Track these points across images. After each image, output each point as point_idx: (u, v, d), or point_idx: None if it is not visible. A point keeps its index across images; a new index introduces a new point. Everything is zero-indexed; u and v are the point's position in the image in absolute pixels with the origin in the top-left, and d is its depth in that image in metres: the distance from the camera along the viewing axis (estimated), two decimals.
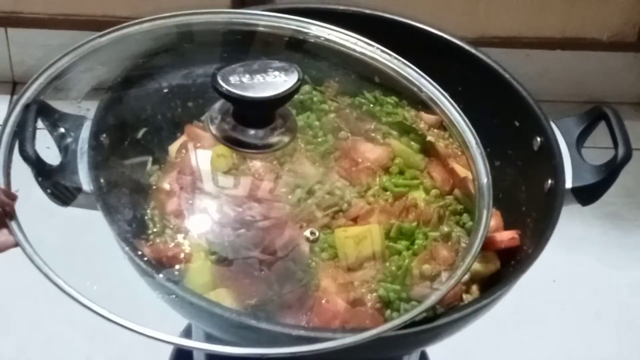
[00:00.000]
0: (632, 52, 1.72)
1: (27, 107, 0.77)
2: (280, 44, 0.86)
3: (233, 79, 0.71)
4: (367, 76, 0.87)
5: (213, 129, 0.75)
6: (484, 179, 0.78)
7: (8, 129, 0.75)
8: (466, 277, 0.80)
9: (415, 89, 0.84)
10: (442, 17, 0.91)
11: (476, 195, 0.78)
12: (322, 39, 0.85)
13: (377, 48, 0.85)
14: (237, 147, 0.75)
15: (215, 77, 0.72)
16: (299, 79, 0.72)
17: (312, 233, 0.78)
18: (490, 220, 0.76)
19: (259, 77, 0.72)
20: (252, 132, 0.74)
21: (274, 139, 0.75)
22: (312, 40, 0.86)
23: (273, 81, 0.72)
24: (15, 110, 0.76)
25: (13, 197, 0.71)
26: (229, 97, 0.72)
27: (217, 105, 0.76)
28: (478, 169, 0.79)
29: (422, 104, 0.84)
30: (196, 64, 0.87)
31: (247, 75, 0.72)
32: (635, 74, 1.76)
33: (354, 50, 0.85)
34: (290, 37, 0.86)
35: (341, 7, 0.92)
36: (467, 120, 0.81)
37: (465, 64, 0.90)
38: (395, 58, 0.85)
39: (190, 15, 0.85)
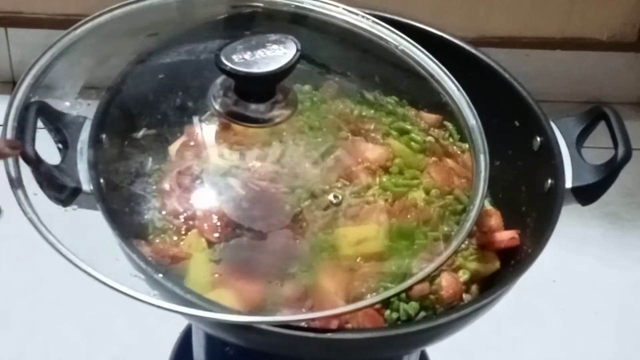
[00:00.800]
0: (632, 52, 1.72)
1: (27, 107, 0.77)
2: (280, 22, 0.88)
3: (236, 57, 0.74)
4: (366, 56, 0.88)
5: (216, 105, 0.77)
6: (472, 120, 0.80)
7: (8, 133, 0.76)
8: (466, 277, 0.80)
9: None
10: (442, 17, 0.91)
11: (469, 143, 0.80)
12: (322, 14, 0.87)
13: (374, 21, 0.87)
14: (240, 121, 0.77)
15: (219, 57, 0.74)
16: (297, 49, 0.75)
17: (335, 197, 0.80)
18: (488, 169, 0.78)
19: (259, 53, 0.74)
20: (254, 106, 0.77)
21: (275, 113, 0.77)
22: (313, 16, 0.87)
23: (273, 55, 0.74)
24: (11, 113, 0.77)
25: (16, 146, 0.74)
26: (236, 75, 0.74)
27: (219, 81, 0.78)
28: (465, 114, 0.81)
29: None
30: (198, 58, 0.88)
31: (249, 52, 0.74)
32: (635, 74, 1.76)
33: (354, 25, 0.87)
34: (291, 13, 0.88)
35: (341, 7, 0.92)
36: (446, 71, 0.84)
37: (465, 64, 0.90)
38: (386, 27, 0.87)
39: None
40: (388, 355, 0.81)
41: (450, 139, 0.88)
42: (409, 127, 0.87)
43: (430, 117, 0.89)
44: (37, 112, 0.77)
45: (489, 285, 0.79)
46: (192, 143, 0.83)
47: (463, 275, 0.80)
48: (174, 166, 0.83)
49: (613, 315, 1.47)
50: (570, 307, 1.48)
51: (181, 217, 0.80)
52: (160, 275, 0.71)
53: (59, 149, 0.79)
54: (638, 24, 1.69)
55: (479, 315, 0.75)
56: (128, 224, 0.74)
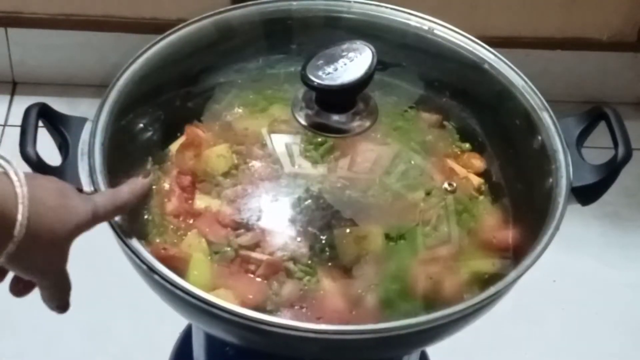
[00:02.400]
0: (632, 52, 1.72)
1: (28, 109, 0.77)
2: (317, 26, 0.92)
3: (322, 72, 0.77)
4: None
5: (300, 117, 0.80)
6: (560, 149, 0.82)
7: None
8: (466, 277, 0.80)
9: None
10: (442, 17, 0.91)
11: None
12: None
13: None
14: (322, 132, 0.80)
15: (306, 76, 0.77)
16: (372, 52, 0.78)
17: (450, 184, 0.81)
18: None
19: (341, 63, 0.78)
20: (336, 117, 0.80)
21: (356, 123, 0.80)
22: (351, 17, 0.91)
23: (354, 63, 0.78)
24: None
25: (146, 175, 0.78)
26: (329, 90, 0.77)
27: (300, 94, 0.81)
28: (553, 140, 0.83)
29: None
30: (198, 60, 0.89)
31: (332, 65, 0.77)
32: (635, 74, 1.75)
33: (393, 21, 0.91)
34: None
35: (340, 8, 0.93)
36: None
37: (465, 62, 0.90)
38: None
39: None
40: (388, 355, 0.81)
41: (450, 139, 0.88)
42: (409, 127, 0.87)
43: (431, 117, 0.89)
44: (38, 114, 0.77)
45: (489, 285, 0.79)
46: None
47: (463, 275, 0.80)
48: (174, 166, 0.83)
49: (613, 315, 1.47)
50: (570, 307, 1.47)
51: (181, 217, 0.80)
52: (160, 275, 0.71)
53: (60, 150, 0.79)
54: (638, 24, 1.69)
55: (479, 316, 0.75)
56: (128, 224, 0.74)
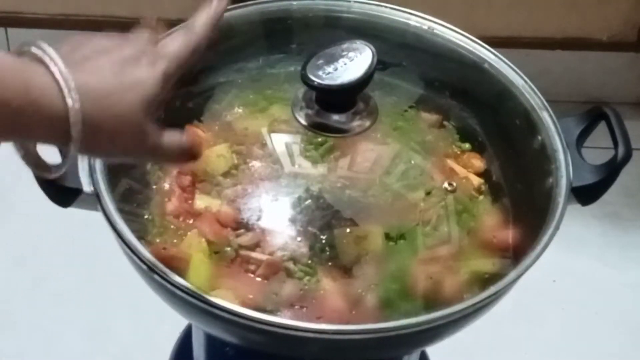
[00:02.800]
0: (632, 52, 1.72)
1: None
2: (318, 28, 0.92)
3: (322, 72, 0.77)
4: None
5: (299, 117, 0.80)
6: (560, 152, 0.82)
7: None
8: (466, 277, 0.80)
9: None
10: (442, 17, 0.91)
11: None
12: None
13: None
14: (322, 132, 0.80)
15: (306, 76, 0.77)
16: (372, 52, 0.78)
17: (450, 184, 0.82)
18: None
19: (341, 63, 0.77)
20: (336, 117, 0.80)
21: (356, 123, 0.80)
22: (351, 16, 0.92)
23: (353, 63, 0.78)
24: None
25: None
26: (329, 90, 0.77)
27: (300, 94, 0.81)
28: (553, 139, 0.83)
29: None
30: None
31: (332, 65, 0.77)
32: (635, 74, 1.76)
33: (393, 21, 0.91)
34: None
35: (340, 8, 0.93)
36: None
37: (465, 61, 0.90)
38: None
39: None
40: (388, 355, 0.81)
41: (450, 139, 0.88)
42: (409, 127, 0.87)
43: (431, 117, 0.89)
44: None
45: (489, 285, 0.79)
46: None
47: (463, 275, 0.80)
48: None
49: (613, 315, 1.47)
50: (570, 307, 1.48)
51: (181, 217, 0.80)
52: (160, 275, 0.71)
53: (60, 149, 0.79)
54: (638, 24, 1.69)
55: (479, 316, 0.75)
56: (128, 224, 0.74)
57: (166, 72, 0.61)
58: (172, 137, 0.63)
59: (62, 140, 0.56)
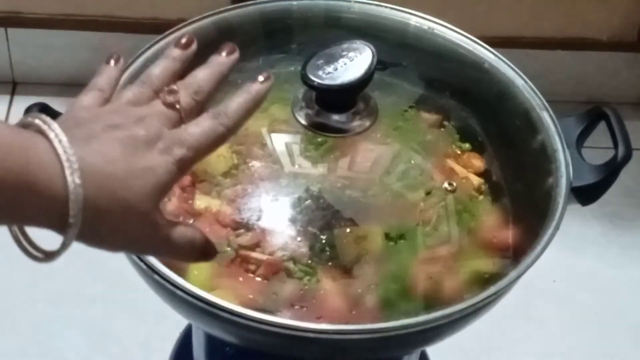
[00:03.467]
0: (632, 52, 1.72)
1: (28, 108, 0.77)
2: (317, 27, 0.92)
3: (322, 72, 0.77)
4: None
5: (299, 117, 0.80)
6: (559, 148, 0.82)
7: None
8: (466, 277, 0.80)
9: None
10: (442, 17, 0.91)
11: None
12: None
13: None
14: (322, 132, 0.80)
15: (306, 76, 0.77)
16: (373, 52, 0.78)
17: (450, 184, 0.82)
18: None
19: (341, 63, 0.78)
20: (336, 117, 0.80)
21: (356, 123, 0.80)
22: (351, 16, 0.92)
23: (353, 63, 0.78)
24: None
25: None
26: (329, 90, 0.77)
27: (300, 94, 0.81)
28: (553, 139, 0.83)
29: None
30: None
31: (332, 65, 0.77)
32: (635, 74, 1.75)
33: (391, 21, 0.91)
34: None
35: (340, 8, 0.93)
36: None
37: (465, 61, 0.90)
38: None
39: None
40: (388, 355, 0.81)
41: (450, 139, 0.88)
42: (409, 127, 0.87)
43: (431, 117, 0.89)
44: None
45: (489, 285, 0.79)
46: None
47: (463, 275, 0.80)
48: None
49: (613, 315, 1.47)
50: (570, 307, 1.48)
51: (181, 217, 0.80)
52: (160, 275, 0.71)
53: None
54: (638, 24, 1.69)
55: (479, 315, 0.75)
56: None
57: (182, 162, 0.54)
58: (184, 232, 0.57)
59: (59, 226, 0.51)
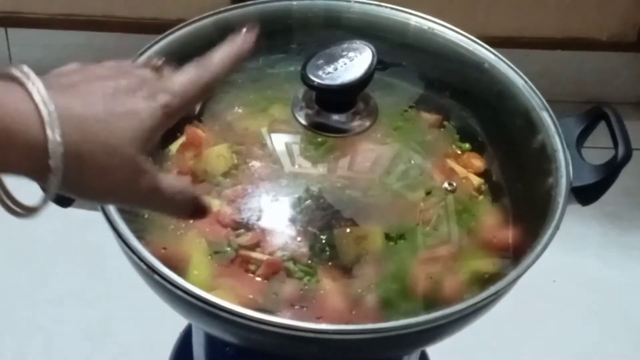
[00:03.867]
0: (632, 52, 1.72)
1: None
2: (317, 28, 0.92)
3: (322, 72, 0.77)
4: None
5: (299, 117, 0.80)
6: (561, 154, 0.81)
7: None
8: (466, 276, 0.80)
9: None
10: (442, 17, 0.91)
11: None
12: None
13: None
14: (322, 132, 0.80)
15: (306, 76, 0.77)
16: (372, 52, 0.78)
17: (450, 184, 0.82)
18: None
19: (341, 63, 0.77)
20: (336, 117, 0.80)
21: (356, 123, 0.80)
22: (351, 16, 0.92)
23: (353, 63, 0.78)
24: None
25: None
26: (329, 90, 0.77)
27: (300, 94, 0.81)
28: (553, 140, 0.83)
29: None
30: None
31: (332, 65, 0.77)
32: (635, 74, 1.76)
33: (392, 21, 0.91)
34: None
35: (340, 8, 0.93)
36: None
37: (465, 61, 0.90)
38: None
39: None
40: (388, 355, 0.81)
41: (450, 139, 0.88)
42: (409, 127, 0.87)
43: (431, 117, 0.89)
44: None
45: (489, 285, 0.79)
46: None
47: (463, 275, 0.80)
48: (174, 166, 0.83)
49: (613, 315, 1.47)
50: (570, 307, 1.48)
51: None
52: (160, 275, 0.71)
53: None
54: (638, 24, 1.69)
55: (479, 316, 0.75)
56: (128, 224, 0.74)
57: (168, 108, 0.53)
58: (173, 182, 0.56)
59: (41, 174, 0.50)
